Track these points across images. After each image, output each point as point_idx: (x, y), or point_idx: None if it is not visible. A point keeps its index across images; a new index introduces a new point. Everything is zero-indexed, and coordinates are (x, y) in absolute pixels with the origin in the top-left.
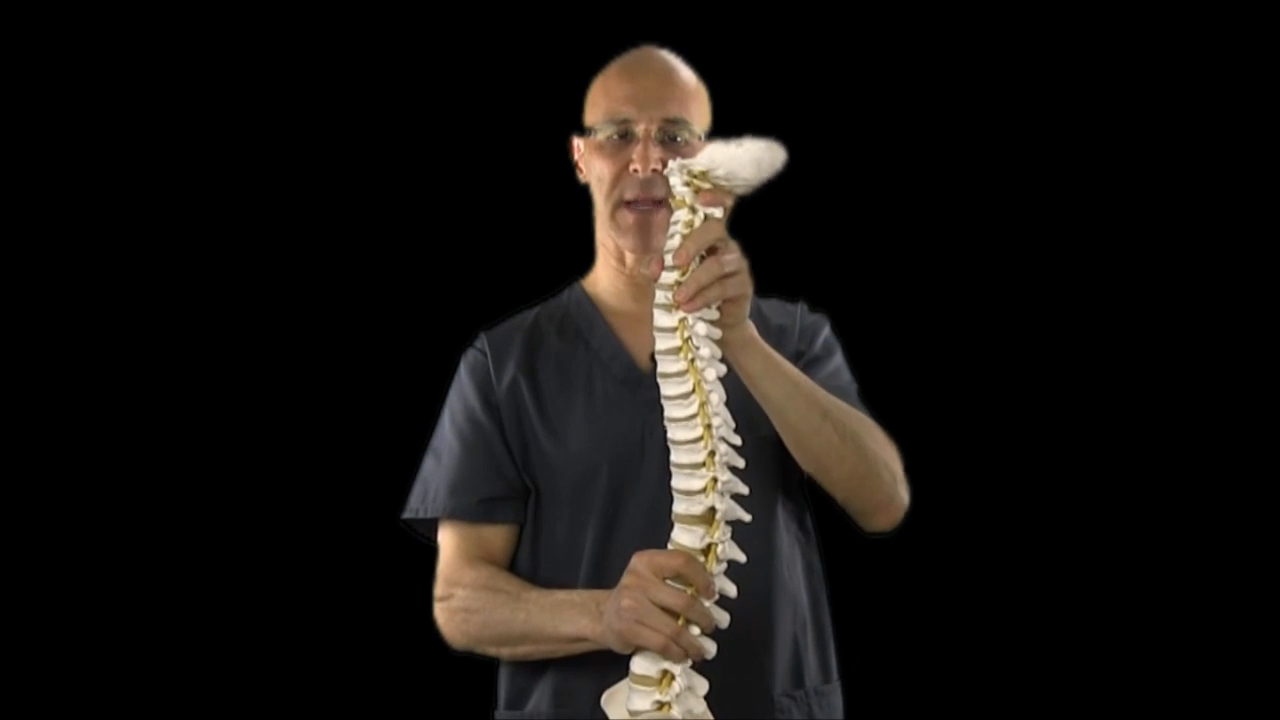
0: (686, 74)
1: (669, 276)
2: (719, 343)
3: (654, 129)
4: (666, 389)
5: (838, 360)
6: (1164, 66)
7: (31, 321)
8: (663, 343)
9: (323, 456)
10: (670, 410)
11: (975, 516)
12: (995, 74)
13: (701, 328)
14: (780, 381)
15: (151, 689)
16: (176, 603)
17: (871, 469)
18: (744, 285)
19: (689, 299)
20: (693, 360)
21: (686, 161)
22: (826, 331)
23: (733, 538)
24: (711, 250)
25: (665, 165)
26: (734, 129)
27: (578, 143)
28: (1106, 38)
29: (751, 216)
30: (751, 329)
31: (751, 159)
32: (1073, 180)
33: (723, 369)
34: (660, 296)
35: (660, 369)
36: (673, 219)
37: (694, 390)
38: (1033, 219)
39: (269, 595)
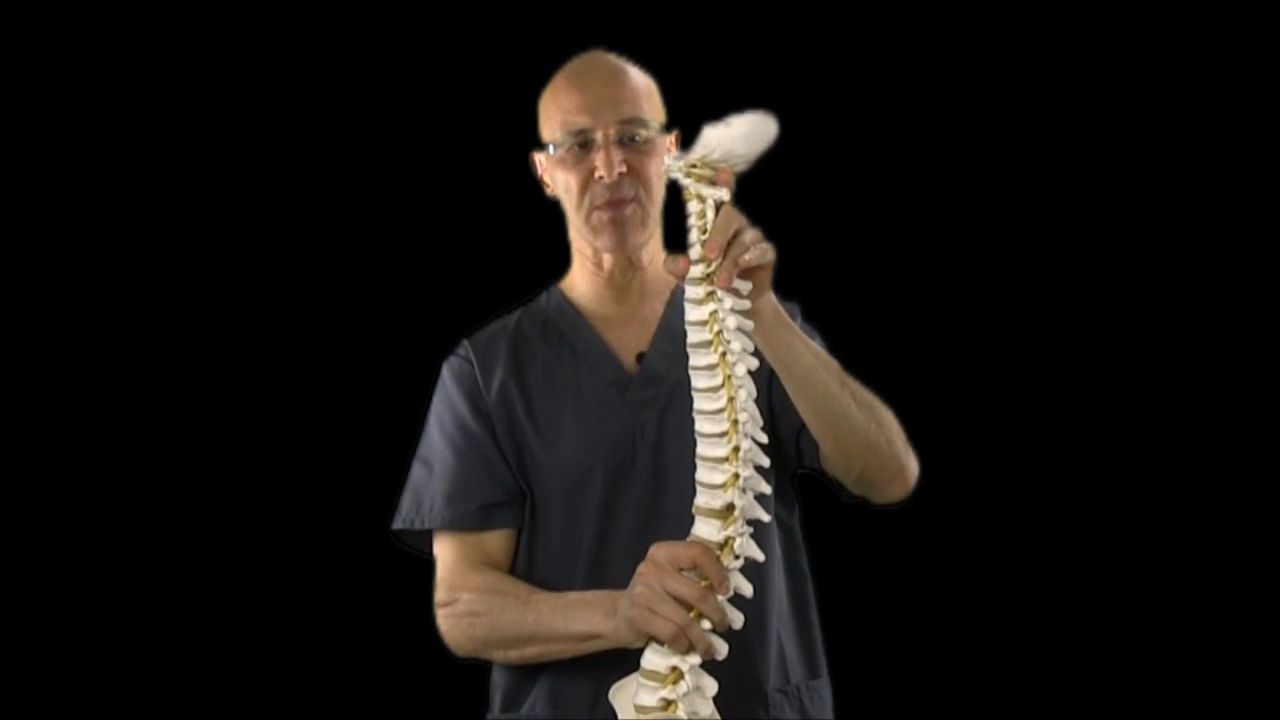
0: (634, 72)
1: (697, 270)
2: (749, 316)
3: (612, 133)
4: (697, 381)
5: (819, 341)
6: (1135, 66)
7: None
8: (694, 336)
9: (306, 466)
10: (699, 403)
11: (965, 512)
12: (983, 67)
13: (733, 321)
14: (803, 350)
15: (142, 699)
16: (166, 614)
17: (886, 436)
18: (768, 253)
19: (727, 279)
20: (724, 354)
21: (682, 155)
22: (799, 319)
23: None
24: (735, 233)
25: (628, 168)
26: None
27: (539, 159)
28: (1082, 32)
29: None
30: (774, 300)
31: (743, 135)
32: (1058, 166)
33: (754, 363)
34: (691, 292)
35: (691, 362)
36: (686, 212)
37: (723, 384)
38: (1020, 209)
39: (257, 605)
